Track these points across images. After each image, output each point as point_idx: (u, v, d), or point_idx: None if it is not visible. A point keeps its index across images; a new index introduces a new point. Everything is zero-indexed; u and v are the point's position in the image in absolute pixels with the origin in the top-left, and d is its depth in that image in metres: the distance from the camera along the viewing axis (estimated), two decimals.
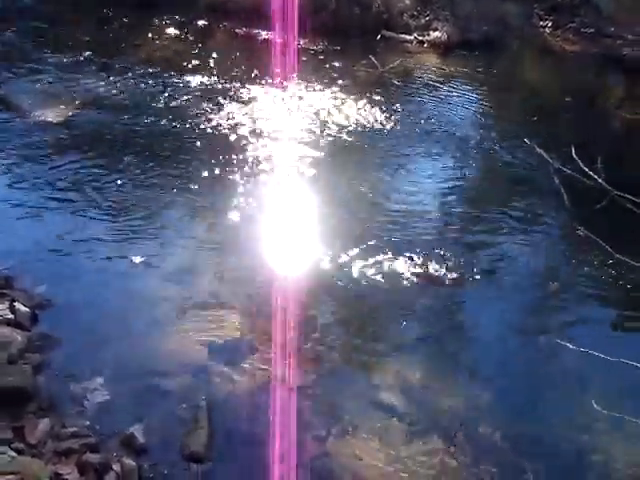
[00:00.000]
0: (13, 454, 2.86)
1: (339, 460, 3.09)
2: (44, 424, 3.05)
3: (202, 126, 6.03)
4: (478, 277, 4.26)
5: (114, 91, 6.63)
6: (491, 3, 8.67)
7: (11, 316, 3.65)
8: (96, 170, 5.35)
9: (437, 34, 8.27)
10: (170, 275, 4.20)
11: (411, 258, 4.41)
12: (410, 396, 3.45)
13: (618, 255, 2.06)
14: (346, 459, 3.09)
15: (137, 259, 4.31)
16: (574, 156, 1.82)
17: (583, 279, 4.42)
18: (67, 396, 3.29)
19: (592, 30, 8.48)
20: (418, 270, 4.30)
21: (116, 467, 2.93)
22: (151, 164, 5.49)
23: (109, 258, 4.32)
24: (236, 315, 3.95)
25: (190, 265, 4.31)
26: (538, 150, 1.95)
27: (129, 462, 2.95)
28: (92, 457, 2.94)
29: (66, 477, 2.86)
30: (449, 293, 4.12)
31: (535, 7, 8.92)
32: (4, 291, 3.83)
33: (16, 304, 3.73)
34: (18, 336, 3.50)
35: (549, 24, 8.73)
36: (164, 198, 5.05)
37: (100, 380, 3.39)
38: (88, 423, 3.14)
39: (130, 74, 6.94)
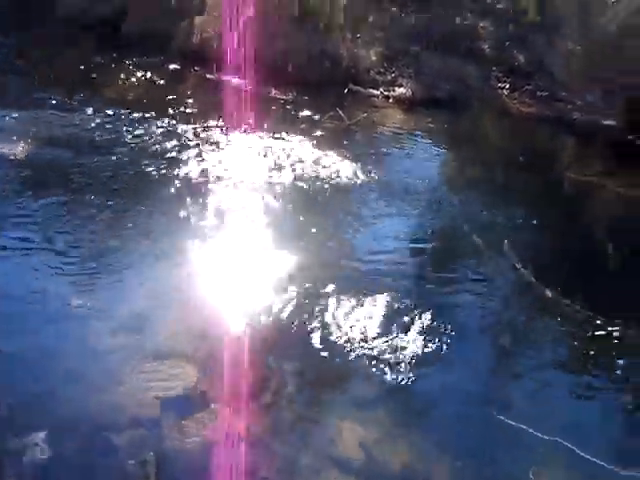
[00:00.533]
0: None
1: None
2: None
3: (167, 170, 6.06)
4: (434, 337, 4.33)
5: (81, 130, 6.61)
6: (454, 64, 9.10)
7: None
8: (55, 210, 5.28)
9: (402, 90, 8.61)
10: (124, 324, 4.13)
11: (369, 314, 4.47)
12: (367, 452, 3.44)
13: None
14: None
15: (90, 306, 4.23)
16: (505, 249, 1.93)
17: (539, 343, 4.56)
18: (4, 453, 3.15)
19: (546, 94, 8.95)
20: (373, 327, 4.36)
21: None
22: (113, 206, 5.46)
23: (61, 305, 4.22)
24: (191, 367, 3.90)
25: (146, 313, 4.25)
26: (479, 242, 2.06)
27: None
28: None
29: None
30: (406, 350, 4.18)
31: (494, 70, 9.40)
32: None
33: None
34: None
35: (506, 86, 9.20)
36: (123, 242, 5.00)
37: (42, 435, 3.26)
38: None
39: (99, 114, 6.96)
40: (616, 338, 4.44)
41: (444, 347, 4.25)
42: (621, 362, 4.31)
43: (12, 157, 5.95)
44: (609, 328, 4.53)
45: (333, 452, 3.44)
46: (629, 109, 7.91)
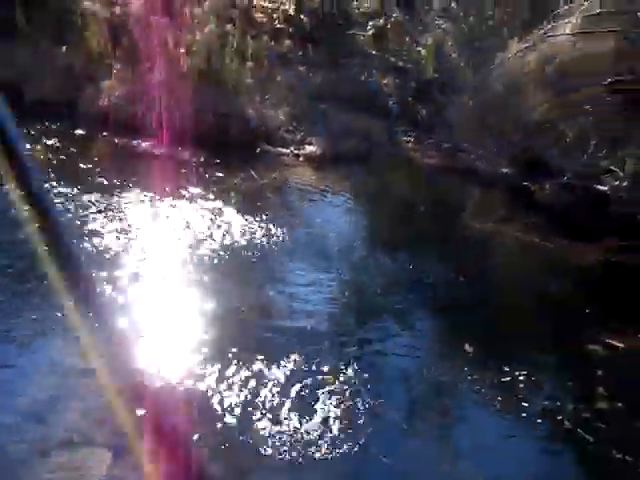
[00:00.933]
0: None
1: None
2: None
3: (74, 239, 5.88)
4: (349, 407, 4.36)
5: None
6: (359, 120, 9.56)
7: None
8: None
9: (311, 148, 8.90)
10: (29, 409, 3.89)
11: (282, 382, 4.47)
12: None
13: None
14: None
15: None
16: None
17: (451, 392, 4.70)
18: None
19: (448, 146, 9.55)
20: (286, 397, 4.36)
21: None
22: (17, 279, 5.22)
23: None
24: (105, 453, 3.72)
25: (53, 396, 4.04)
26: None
27: None
28: None
29: None
30: (319, 421, 4.20)
31: (398, 124, 9.96)
32: None
33: None
34: None
35: (411, 139, 9.74)
36: (26, 318, 4.76)
37: None
38: None
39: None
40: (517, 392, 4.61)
41: (360, 417, 4.30)
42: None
43: None
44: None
45: None
46: (522, 157, 8.59)
